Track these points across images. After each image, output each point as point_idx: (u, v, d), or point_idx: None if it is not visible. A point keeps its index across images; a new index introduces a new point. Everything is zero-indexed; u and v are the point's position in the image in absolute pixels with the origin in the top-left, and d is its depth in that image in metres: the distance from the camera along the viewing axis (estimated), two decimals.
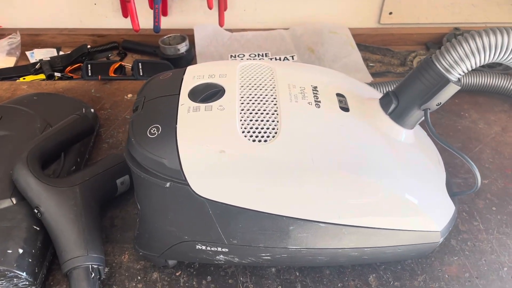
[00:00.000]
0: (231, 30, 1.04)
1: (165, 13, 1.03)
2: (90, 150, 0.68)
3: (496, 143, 0.72)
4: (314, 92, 0.48)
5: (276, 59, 0.95)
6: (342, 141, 0.45)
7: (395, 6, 1.03)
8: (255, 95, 0.47)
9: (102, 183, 0.56)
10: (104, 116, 0.77)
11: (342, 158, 0.44)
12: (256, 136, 0.43)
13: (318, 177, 0.43)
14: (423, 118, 0.48)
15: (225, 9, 1.01)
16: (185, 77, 0.50)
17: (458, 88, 0.45)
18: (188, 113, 0.45)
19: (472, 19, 1.06)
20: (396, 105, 0.47)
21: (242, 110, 0.45)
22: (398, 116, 0.48)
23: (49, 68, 0.91)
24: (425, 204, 0.46)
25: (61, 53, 1.02)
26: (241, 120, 0.44)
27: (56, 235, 0.50)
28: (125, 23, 1.03)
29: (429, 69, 0.45)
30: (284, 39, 1.00)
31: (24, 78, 0.91)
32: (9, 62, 0.98)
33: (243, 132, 0.43)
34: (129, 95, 0.82)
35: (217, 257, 0.49)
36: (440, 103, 0.46)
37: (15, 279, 0.47)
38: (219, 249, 0.47)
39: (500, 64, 0.91)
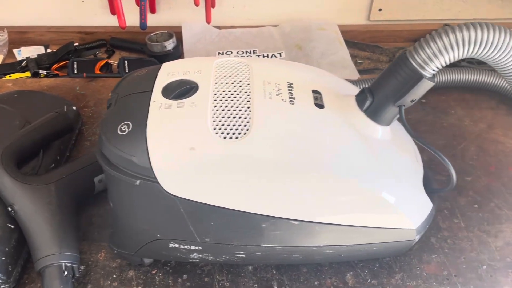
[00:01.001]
0: (219, 27, 1.03)
1: (153, 10, 1.02)
2: (71, 147, 0.67)
3: (481, 140, 0.72)
4: (289, 88, 0.48)
5: (264, 56, 0.94)
6: (315, 138, 0.45)
7: (384, 2, 1.02)
8: (229, 91, 0.46)
9: (79, 181, 0.55)
10: (87, 114, 0.76)
11: (315, 156, 0.44)
12: (228, 133, 0.43)
13: (290, 174, 0.43)
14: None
15: (213, 6, 1.00)
16: (160, 73, 0.49)
17: (432, 84, 0.44)
18: (159, 110, 0.44)
19: (461, 16, 1.05)
20: (371, 102, 0.47)
21: (215, 107, 0.44)
22: (374, 113, 0.47)
23: (35, 65, 0.91)
24: (400, 202, 0.46)
25: (48, 50, 1.02)
26: (212, 117, 0.43)
27: (30, 233, 0.49)
28: (114, 21, 1.02)
29: (403, 65, 0.44)
30: (273, 36, 1.00)
31: (10, 76, 0.91)
32: None
33: (214, 129, 0.43)
34: None
35: (191, 255, 0.48)
36: (415, 99, 0.46)
37: None
38: (193, 247, 0.47)
39: None
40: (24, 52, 1.01)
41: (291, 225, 0.45)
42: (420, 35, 1.05)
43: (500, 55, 0.43)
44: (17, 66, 0.93)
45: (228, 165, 0.42)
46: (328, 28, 0.99)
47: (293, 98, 0.47)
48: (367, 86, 0.50)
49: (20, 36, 1.05)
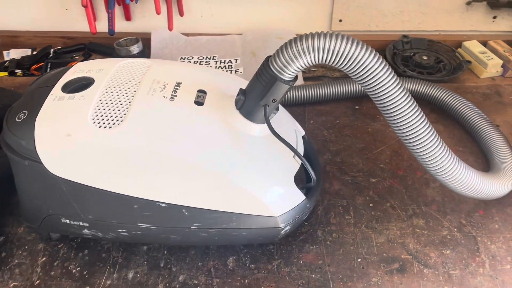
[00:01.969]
0: (187, 35, 1.11)
1: (128, 18, 1.11)
2: None
3: (398, 145, 0.75)
4: (176, 87, 0.54)
5: (221, 62, 1.00)
6: (185, 131, 0.51)
7: (344, 13, 1.06)
8: (118, 88, 0.53)
9: (6, 164, 0.63)
10: None
11: (182, 146, 0.50)
12: (104, 123, 0.49)
13: (156, 161, 0.49)
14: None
15: (181, 14, 1.08)
16: (68, 71, 0.57)
17: (287, 86, 0.49)
18: (53, 101, 0.52)
19: (422, 27, 1.08)
20: (243, 101, 0.52)
21: (100, 100, 0.51)
22: (247, 112, 0.53)
23: (14, 65, 1.01)
24: (261, 193, 0.51)
25: (34, 53, 1.12)
26: (94, 109, 0.50)
27: None
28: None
29: (265, 70, 0.50)
30: (235, 43, 1.06)
31: None
32: None
33: (93, 119, 0.49)
34: None
35: (83, 231, 0.55)
36: (275, 100, 0.51)
37: None
38: (81, 223, 0.54)
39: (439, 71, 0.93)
40: (12, 54, 1.12)
41: (160, 207, 0.51)
42: (380, 46, 1.09)
43: (347, 63, 0.48)
44: (1, 66, 1.04)
45: (99, 150, 0.49)
46: (287, 36, 1.05)
47: (175, 96, 0.53)
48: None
49: (12, 39, 1.16)
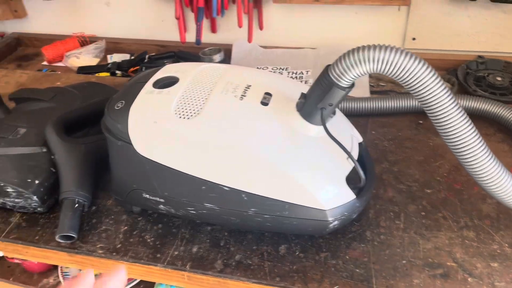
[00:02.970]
0: (265, 47, 1.20)
1: (214, 31, 1.23)
2: None
3: None
4: (246, 89, 0.62)
5: (293, 73, 1.08)
6: (250, 126, 0.58)
7: (418, 32, 1.09)
8: (197, 86, 0.62)
9: (103, 146, 0.75)
10: None
11: (245, 138, 0.57)
12: (184, 115, 0.58)
13: (224, 150, 0.57)
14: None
15: (261, 28, 1.17)
16: (159, 71, 0.67)
17: (343, 92, 0.55)
18: (145, 94, 0.62)
19: (500, 49, 1.06)
20: (303, 104, 0.59)
21: (182, 96, 0.61)
22: (307, 114, 0.59)
23: (115, 67, 1.17)
24: (311, 185, 0.57)
25: (132, 58, 1.28)
26: (177, 102, 0.60)
27: (62, 175, 0.70)
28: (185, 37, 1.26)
29: (324, 76, 0.56)
30: (307, 56, 1.13)
31: (98, 74, 1.18)
32: (93, 62, 1.27)
33: (175, 110, 0.59)
34: None
35: (159, 206, 0.64)
36: (332, 104, 0.56)
37: (28, 200, 0.69)
38: (158, 199, 0.63)
39: None
40: (115, 58, 1.29)
41: (224, 190, 0.58)
42: (454, 65, 1.10)
43: (400, 73, 0.53)
44: (105, 68, 1.20)
45: (178, 137, 0.58)
46: None
47: (244, 96, 0.61)
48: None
49: (115, 45, 1.34)
